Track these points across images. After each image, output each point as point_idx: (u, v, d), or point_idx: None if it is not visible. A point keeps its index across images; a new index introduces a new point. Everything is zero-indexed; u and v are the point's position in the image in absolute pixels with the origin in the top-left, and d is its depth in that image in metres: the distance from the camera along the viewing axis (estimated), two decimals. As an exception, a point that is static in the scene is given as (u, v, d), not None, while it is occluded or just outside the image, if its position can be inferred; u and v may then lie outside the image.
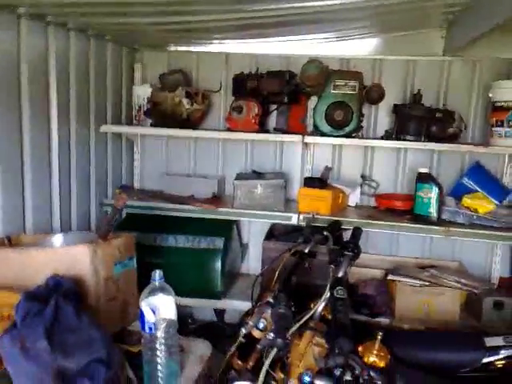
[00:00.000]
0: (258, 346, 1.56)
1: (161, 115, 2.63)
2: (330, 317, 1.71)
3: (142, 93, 2.75)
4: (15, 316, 1.15)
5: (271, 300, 1.67)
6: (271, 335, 1.54)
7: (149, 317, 1.41)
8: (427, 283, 2.36)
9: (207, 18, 1.98)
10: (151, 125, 2.71)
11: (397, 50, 2.65)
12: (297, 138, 2.45)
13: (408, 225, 2.32)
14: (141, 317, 1.46)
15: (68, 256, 1.49)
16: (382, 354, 1.52)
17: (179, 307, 2.61)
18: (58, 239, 1.76)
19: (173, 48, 2.86)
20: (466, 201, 2.35)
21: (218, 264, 2.53)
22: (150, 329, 1.44)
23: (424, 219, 2.30)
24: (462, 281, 2.33)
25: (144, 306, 1.41)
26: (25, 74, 1.99)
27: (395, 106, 2.57)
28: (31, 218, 2.08)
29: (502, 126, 2.29)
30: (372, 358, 1.50)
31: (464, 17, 2.18)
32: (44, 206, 2.18)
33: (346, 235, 2.38)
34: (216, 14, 1.94)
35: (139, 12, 1.93)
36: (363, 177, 2.76)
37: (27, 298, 1.20)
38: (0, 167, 1.89)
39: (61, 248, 1.62)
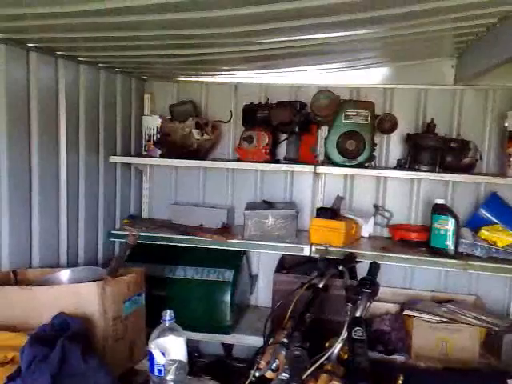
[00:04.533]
0: (270, 387, 1.49)
1: (170, 146, 2.61)
2: (345, 357, 1.64)
3: (152, 123, 2.75)
4: (20, 362, 1.09)
5: (285, 340, 1.60)
6: (284, 375, 1.47)
7: (159, 359, 1.35)
8: (445, 319, 2.26)
9: (215, 50, 1.98)
10: (161, 155, 2.69)
11: (407, 78, 2.62)
12: (309, 168, 2.41)
13: (425, 258, 2.24)
14: (150, 359, 1.39)
15: (75, 294, 1.44)
16: (403, 399, 1.44)
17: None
18: (64, 275, 1.71)
19: (182, 78, 2.86)
20: (484, 233, 2.27)
21: (228, 297, 2.46)
22: (160, 371, 1.38)
23: (441, 252, 2.22)
24: (482, 317, 2.23)
25: (154, 348, 1.35)
26: (34, 106, 1.99)
27: (408, 135, 2.54)
28: (38, 251, 2.04)
29: (520, 156, 2.24)
30: (393, 404, 1.42)
31: (476, 47, 2.16)
32: (51, 239, 2.14)
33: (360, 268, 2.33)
34: (224, 47, 1.93)
35: (147, 45, 1.94)
36: (376, 207, 2.70)
37: (33, 342, 1.15)
38: (8, 200, 1.87)
39: (67, 286, 1.57)
